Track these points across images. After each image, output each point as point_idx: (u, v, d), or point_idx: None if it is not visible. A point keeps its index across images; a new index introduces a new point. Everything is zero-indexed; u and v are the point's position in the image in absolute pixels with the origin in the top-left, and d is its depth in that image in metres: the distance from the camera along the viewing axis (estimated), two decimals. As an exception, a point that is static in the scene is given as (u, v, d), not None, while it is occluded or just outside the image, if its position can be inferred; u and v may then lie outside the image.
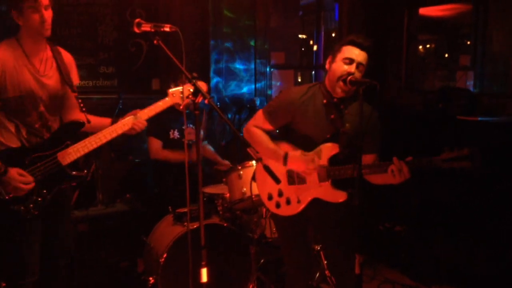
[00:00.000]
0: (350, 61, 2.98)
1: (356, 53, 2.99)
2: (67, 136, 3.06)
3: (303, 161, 3.08)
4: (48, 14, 2.97)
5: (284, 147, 3.20)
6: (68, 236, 3.33)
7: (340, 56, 3.02)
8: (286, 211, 3.22)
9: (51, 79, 3.09)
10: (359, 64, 2.99)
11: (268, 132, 3.29)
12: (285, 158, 3.12)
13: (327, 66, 3.13)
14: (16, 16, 2.93)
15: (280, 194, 3.22)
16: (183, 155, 4.65)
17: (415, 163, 2.86)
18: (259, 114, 3.29)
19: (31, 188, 2.89)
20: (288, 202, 3.20)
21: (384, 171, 2.92)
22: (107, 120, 3.22)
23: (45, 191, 2.96)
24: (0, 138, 2.97)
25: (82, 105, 3.16)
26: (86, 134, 3.12)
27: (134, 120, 3.16)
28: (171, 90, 3.18)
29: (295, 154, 3.11)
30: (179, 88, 3.17)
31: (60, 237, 3.25)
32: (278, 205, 3.24)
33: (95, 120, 3.24)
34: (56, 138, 3.05)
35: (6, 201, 2.86)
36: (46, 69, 3.08)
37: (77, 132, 3.11)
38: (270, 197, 3.27)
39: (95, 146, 3.05)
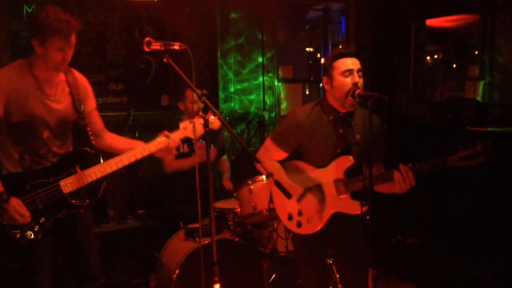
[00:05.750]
0: (350, 72, 2.99)
1: (351, 62, 3.00)
2: (72, 164, 2.98)
3: (314, 207, 3.11)
4: (71, 52, 2.89)
5: (299, 165, 3.21)
6: (93, 258, 3.22)
7: (337, 72, 3.01)
8: (307, 229, 3.20)
9: (62, 104, 2.99)
10: (358, 71, 3.01)
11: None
12: (301, 197, 3.13)
13: (326, 86, 3.11)
14: (36, 46, 2.83)
15: (300, 213, 3.21)
16: (193, 159, 4.66)
17: (422, 167, 2.85)
18: (268, 142, 3.27)
19: (25, 222, 2.81)
20: (308, 220, 3.19)
21: (391, 179, 2.92)
22: (139, 144, 3.16)
23: (43, 219, 2.88)
24: (4, 161, 2.91)
25: (90, 133, 3.09)
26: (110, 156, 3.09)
27: (166, 141, 3.13)
28: (182, 123, 3.21)
29: (311, 197, 3.12)
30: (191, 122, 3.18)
31: (84, 260, 3.17)
32: (299, 224, 3.21)
33: (126, 143, 3.21)
34: (60, 165, 2.97)
35: (5, 226, 2.80)
36: (57, 93, 2.99)
37: (84, 160, 3.03)
38: (290, 217, 3.25)
39: (99, 176, 2.98)
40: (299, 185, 3.14)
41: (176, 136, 3.16)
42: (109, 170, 2.99)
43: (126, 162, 3.03)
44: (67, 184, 2.92)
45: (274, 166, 3.24)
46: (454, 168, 2.81)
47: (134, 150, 3.05)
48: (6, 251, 2.88)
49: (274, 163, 3.25)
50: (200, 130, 3.10)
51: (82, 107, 3.07)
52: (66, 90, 3.03)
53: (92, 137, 3.09)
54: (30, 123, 2.88)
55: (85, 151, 3.04)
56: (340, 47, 3.07)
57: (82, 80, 3.14)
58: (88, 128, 3.08)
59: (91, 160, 3.03)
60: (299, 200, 3.13)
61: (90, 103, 3.16)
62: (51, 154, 2.98)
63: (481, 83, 6.08)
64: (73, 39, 2.87)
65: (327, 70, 3.07)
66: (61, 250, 3.12)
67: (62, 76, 3.03)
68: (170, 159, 4.75)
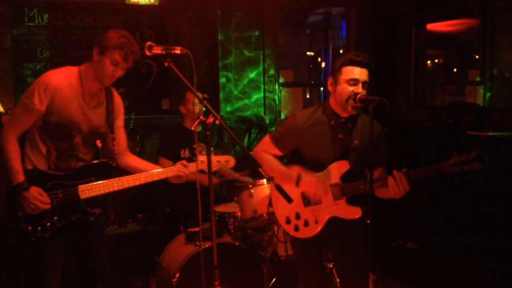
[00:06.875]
0: (355, 81, 2.99)
1: (359, 72, 3.00)
2: (93, 173, 3.14)
3: (314, 184, 3.09)
4: (120, 73, 3.09)
5: (296, 170, 3.21)
6: (105, 260, 3.34)
7: (342, 78, 3.02)
8: (305, 233, 3.21)
9: (98, 116, 3.18)
10: (364, 83, 3.01)
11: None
12: (298, 180, 3.12)
13: (330, 88, 3.12)
14: (95, 53, 3.03)
15: (298, 216, 3.21)
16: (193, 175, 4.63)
17: (416, 174, 2.86)
18: (267, 139, 3.29)
19: (45, 209, 2.96)
20: (306, 224, 3.19)
21: (385, 184, 2.92)
22: (157, 168, 3.30)
23: (56, 218, 3.03)
24: (30, 154, 3.07)
25: (115, 147, 3.24)
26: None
27: (184, 169, 3.28)
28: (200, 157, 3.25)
29: (307, 176, 3.11)
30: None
31: (96, 262, 3.29)
32: (296, 228, 3.23)
33: (145, 166, 3.34)
34: (82, 172, 3.12)
35: (18, 217, 2.95)
36: (97, 105, 3.18)
37: (106, 171, 3.18)
38: (288, 221, 3.26)
39: (116, 188, 3.13)
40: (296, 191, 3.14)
41: (193, 167, 3.30)
42: (126, 185, 3.16)
43: (143, 181, 3.21)
44: (85, 191, 3.07)
45: (269, 158, 3.26)
46: (448, 174, 2.81)
47: (152, 172, 3.24)
48: (14, 242, 2.99)
49: (269, 155, 3.26)
50: (216, 165, 3.36)
51: (113, 121, 3.26)
52: (103, 104, 3.23)
53: (116, 152, 3.26)
54: (66, 126, 3.06)
55: (107, 163, 3.21)
56: (353, 53, 3.06)
57: (117, 98, 3.35)
58: (115, 143, 3.25)
59: (111, 172, 3.20)
60: (297, 184, 3.13)
61: (120, 121, 3.35)
62: (76, 158, 3.15)
63: (481, 88, 6.08)
64: (129, 62, 3.06)
65: (335, 72, 3.08)
66: (73, 251, 3.23)
67: (103, 92, 3.22)
68: (167, 166, 4.74)
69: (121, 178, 3.14)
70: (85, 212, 3.10)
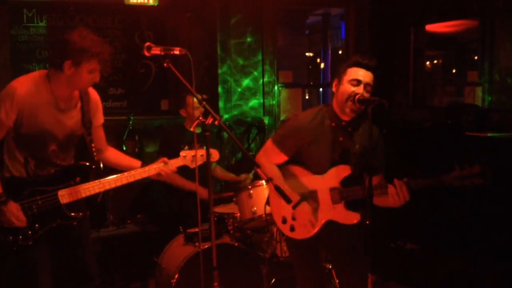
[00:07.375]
0: (358, 82, 2.98)
1: (363, 74, 3.00)
2: (72, 176, 3.04)
3: (309, 215, 3.10)
4: (98, 78, 2.96)
5: (296, 170, 3.21)
6: (91, 261, 3.27)
7: (346, 78, 3.02)
8: (300, 234, 3.20)
9: (72, 119, 3.05)
10: (366, 85, 2.99)
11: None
12: (297, 204, 3.10)
13: (334, 89, 3.12)
14: (68, 67, 2.84)
15: (294, 217, 3.21)
16: (193, 185, 4.59)
17: (416, 183, 2.86)
18: (269, 145, 3.26)
19: (21, 226, 2.84)
20: (302, 225, 3.19)
21: (385, 192, 2.92)
22: (137, 163, 3.24)
23: (37, 226, 2.92)
24: (8, 164, 2.96)
25: (94, 149, 3.15)
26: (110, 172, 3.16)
27: (163, 167, 3.20)
28: (183, 152, 3.27)
29: (306, 206, 3.10)
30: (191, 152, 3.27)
31: (81, 263, 3.21)
32: (292, 229, 3.21)
33: (125, 161, 3.29)
34: (61, 176, 3.02)
35: None
36: (70, 108, 3.04)
37: (84, 174, 3.08)
38: (284, 221, 3.25)
39: (97, 191, 3.03)
40: (296, 191, 3.12)
41: (174, 164, 3.24)
42: (107, 187, 3.07)
43: (124, 182, 3.11)
44: (65, 195, 2.98)
45: (274, 171, 3.22)
46: (449, 186, 2.80)
47: (133, 172, 3.13)
48: None
49: (274, 167, 3.23)
50: (199, 160, 3.24)
51: (90, 122, 3.14)
52: (78, 106, 3.08)
53: (95, 153, 3.16)
54: (39, 136, 2.94)
55: (86, 165, 3.10)
56: (360, 56, 3.06)
57: (93, 95, 3.19)
58: (93, 144, 3.14)
59: (91, 174, 3.10)
60: (294, 207, 3.12)
61: (99, 119, 3.23)
62: (54, 165, 3.04)
63: (480, 89, 6.08)
64: (108, 67, 2.94)
65: (340, 73, 3.08)
66: (59, 256, 3.14)
67: (76, 92, 3.07)
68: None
69: (101, 180, 3.04)
70: (67, 217, 3.00)
